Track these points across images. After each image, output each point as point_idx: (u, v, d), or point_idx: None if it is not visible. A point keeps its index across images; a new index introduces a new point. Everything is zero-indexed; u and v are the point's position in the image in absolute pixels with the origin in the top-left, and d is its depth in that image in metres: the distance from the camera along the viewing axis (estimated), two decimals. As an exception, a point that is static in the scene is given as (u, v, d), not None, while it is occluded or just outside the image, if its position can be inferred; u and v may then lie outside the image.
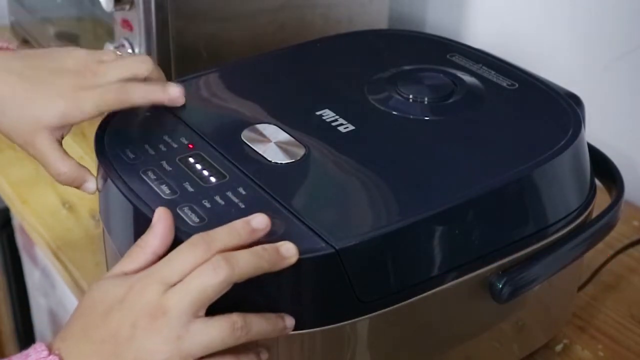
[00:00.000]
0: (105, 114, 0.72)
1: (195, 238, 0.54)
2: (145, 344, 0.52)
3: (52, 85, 0.68)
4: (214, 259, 0.53)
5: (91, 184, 0.69)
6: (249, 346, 0.56)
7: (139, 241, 0.56)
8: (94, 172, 0.70)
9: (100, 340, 0.52)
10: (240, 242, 0.55)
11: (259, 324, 0.54)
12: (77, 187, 0.70)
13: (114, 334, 0.52)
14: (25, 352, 0.53)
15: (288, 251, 0.55)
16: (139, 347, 0.52)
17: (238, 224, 0.55)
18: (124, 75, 0.68)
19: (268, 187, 0.62)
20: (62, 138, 0.70)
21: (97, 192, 0.69)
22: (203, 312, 0.53)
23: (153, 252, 0.55)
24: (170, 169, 0.64)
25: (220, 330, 0.52)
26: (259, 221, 0.56)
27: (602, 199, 0.73)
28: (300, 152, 0.66)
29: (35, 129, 0.68)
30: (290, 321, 0.56)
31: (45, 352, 0.52)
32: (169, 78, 0.77)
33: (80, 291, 0.90)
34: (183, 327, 0.52)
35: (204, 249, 0.53)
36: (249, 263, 0.53)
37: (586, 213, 0.70)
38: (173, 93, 0.70)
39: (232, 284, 0.53)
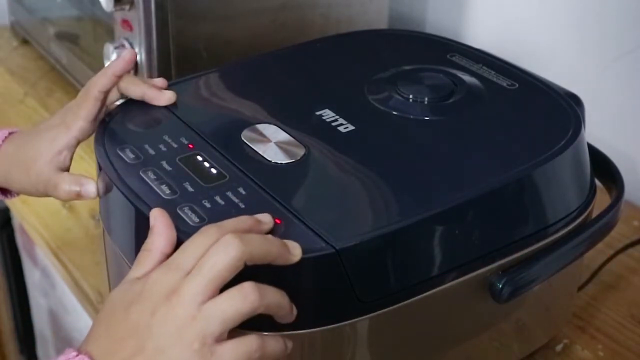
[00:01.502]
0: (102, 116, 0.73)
1: (206, 227, 0.55)
2: (163, 330, 0.51)
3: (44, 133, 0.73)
4: (224, 238, 0.52)
5: (91, 187, 0.69)
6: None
7: (144, 245, 0.56)
8: (94, 173, 0.70)
9: (123, 336, 0.52)
10: (248, 230, 0.55)
11: (273, 293, 0.53)
12: (79, 194, 0.70)
13: (135, 327, 0.52)
14: (53, 358, 0.53)
15: (294, 248, 0.55)
16: (159, 334, 0.51)
17: (244, 217, 0.56)
18: None
19: (268, 187, 0.62)
20: (66, 163, 0.72)
21: (98, 197, 0.70)
22: (217, 292, 0.52)
23: (161, 252, 0.55)
24: (170, 169, 0.64)
25: (233, 300, 0.51)
26: (263, 216, 0.57)
27: (602, 199, 0.73)
28: (300, 152, 0.66)
29: (35, 167, 0.71)
30: (295, 310, 0.56)
31: (74, 353, 0.52)
32: (169, 78, 0.77)
33: (80, 291, 0.90)
34: (197, 308, 0.51)
35: (214, 231, 0.54)
36: (260, 243, 0.53)
37: (586, 213, 0.70)
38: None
39: (244, 261, 0.52)
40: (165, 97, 0.72)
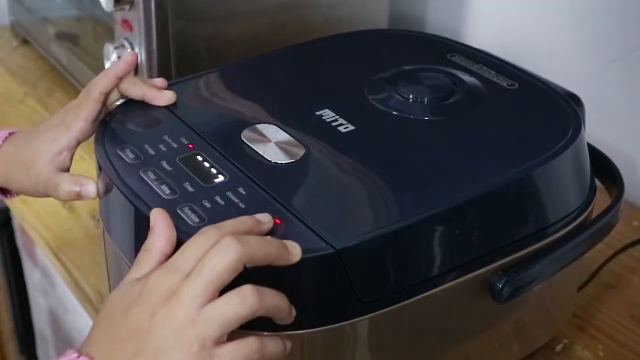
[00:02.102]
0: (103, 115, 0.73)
1: (205, 228, 0.55)
2: (163, 332, 0.51)
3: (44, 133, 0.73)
4: (223, 240, 0.52)
5: (91, 187, 0.69)
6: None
7: (144, 245, 0.56)
8: (94, 173, 0.70)
9: (123, 338, 0.52)
10: (248, 230, 0.55)
11: (272, 295, 0.53)
12: (79, 194, 0.70)
13: (135, 329, 0.52)
14: (53, 358, 0.53)
15: (294, 248, 0.55)
16: (158, 336, 0.51)
17: (243, 217, 0.56)
18: None
19: (268, 187, 0.62)
20: (66, 164, 0.72)
21: (98, 197, 0.70)
22: (217, 294, 0.52)
23: (160, 252, 0.55)
24: (170, 169, 0.64)
25: (232, 303, 0.52)
26: (263, 215, 0.57)
27: (602, 199, 0.73)
28: (300, 152, 0.66)
29: (35, 167, 0.71)
30: (294, 311, 0.56)
31: (75, 355, 0.52)
32: (169, 78, 0.77)
33: (80, 291, 0.90)
34: (196, 311, 0.51)
35: (214, 232, 0.54)
36: (259, 245, 0.53)
37: (586, 213, 0.70)
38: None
39: (243, 263, 0.52)
40: (166, 97, 0.72)
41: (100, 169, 0.67)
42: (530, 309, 0.73)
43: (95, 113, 0.72)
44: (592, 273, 0.89)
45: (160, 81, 0.74)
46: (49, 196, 0.72)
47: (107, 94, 0.72)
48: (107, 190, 0.66)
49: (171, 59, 0.97)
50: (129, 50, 0.97)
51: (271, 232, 0.57)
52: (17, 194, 0.78)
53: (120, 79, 0.72)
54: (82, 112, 0.72)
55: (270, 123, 0.70)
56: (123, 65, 0.72)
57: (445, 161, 0.67)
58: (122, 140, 0.68)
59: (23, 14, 1.36)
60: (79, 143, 0.72)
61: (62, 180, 0.70)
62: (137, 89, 0.72)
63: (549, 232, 0.67)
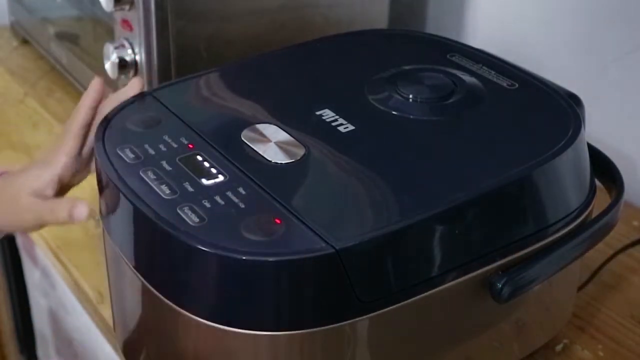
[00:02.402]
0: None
1: None
2: None
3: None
4: None
5: (82, 208, 0.70)
6: None
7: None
8: (93, 173, 0.70)
9: None
10: None
11: None
12: (72, 217, 0.70)
13: None
14: None
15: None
16: None
17: None
18: None
19: (268, 187, 0.62)
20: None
21: (91, 218, 0.71)
22: None
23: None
24: (170, 169, 0.64)
25: None
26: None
27: (602, 199, 0.73)
28: (300, 152, 0.66)
29: (22, 202, 0.73)
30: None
31: None
32: (168, 78, 0.77)
33: (80, 291, 0.90)
34: None
35: None
36: None
37: (586, 213, 0.70)
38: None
39: None
40: (135, 85, 0.74)
41: (100, 168, 0.67)
42: (530, 309, 0.73)
43: (77, 147, 0.74)
44: (592, 273, 0.89)
45: (136, 82, 0.75)
46: (38, 228, 0.74)
47: (88, 126, 0.74)
48: (107, 189, 0.66)
49: (171, 59, 0.97)
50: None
51: (271, 233, 0.57)
52: (4, 235, 0.80)
53: (95, 108, 0.73)
54: (63, 148, 0.74)
55: (270, 123, 0.70)
56: (92, 95, 0.74)
57: (445, 161, 0.67)
58: (122, 140, 0.68)
59: (23, 14, 1.36)
60: (61, 179, 0.74)
61: (56, 204, 0.71)
62: (115, 103, 0.73)
63: (549, 232, 0.67)
